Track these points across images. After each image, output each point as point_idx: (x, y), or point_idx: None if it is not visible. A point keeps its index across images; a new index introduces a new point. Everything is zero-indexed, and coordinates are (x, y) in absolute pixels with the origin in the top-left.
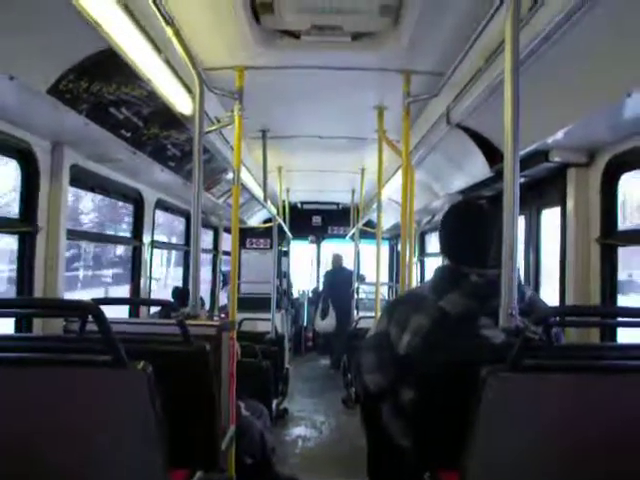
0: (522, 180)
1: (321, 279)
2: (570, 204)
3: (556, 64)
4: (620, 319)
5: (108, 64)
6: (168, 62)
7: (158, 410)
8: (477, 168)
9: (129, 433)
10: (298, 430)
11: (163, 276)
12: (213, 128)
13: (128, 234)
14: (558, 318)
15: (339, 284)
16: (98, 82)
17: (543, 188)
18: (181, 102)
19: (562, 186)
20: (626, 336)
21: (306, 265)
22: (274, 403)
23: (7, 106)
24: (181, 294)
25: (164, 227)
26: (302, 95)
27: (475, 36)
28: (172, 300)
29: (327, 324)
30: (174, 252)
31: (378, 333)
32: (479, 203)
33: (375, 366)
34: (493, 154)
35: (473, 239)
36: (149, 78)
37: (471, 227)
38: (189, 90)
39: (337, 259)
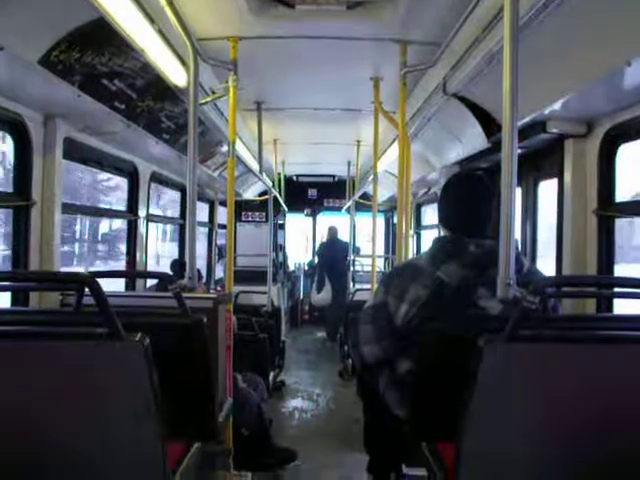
0: (519, 151)
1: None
2: (567, 175)
3: (554, 33)
4: (617, 290)
5: (100, 34)
6: (161, 32)
7: (155, 382)
8: (474, 139)
9: (126, 405)
10: (295, 402)
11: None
12: (208, 99)
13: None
14: (555, 289)
15: (334, 256)
16: (90, 53)
17: (540, 159)
18: (175, 73)
19: (559, 157)
20: (621, 307)
21: (302, 238)
22: (271, 375)
23: None
24: (179, 267)
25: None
26: (297, 66)
27: (472, 4)
28: (169, 273)
29: (323, 297)
30: (165, 228)
31: (375, 304)
32: (478, 174)
33: (372, 337)
34: (490, 125)
35: (472, 210)
36: (142, 49)
37: (470, 198)
38: (183, 61)
39: (332, 231)
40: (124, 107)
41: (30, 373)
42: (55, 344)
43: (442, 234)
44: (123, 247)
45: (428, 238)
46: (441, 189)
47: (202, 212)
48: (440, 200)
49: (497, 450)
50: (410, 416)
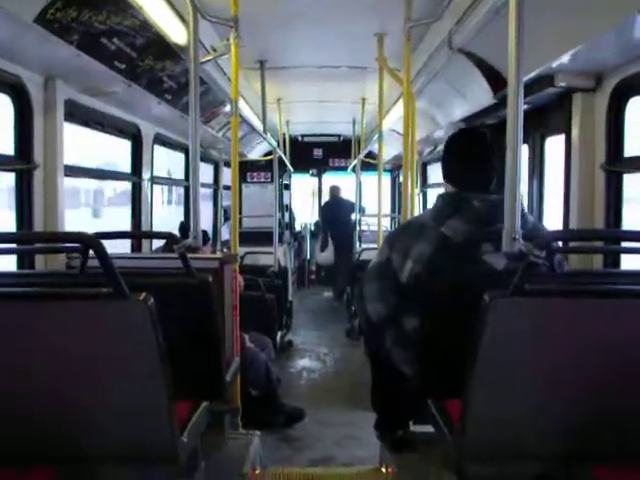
0: (526, 107)
1: None
2: (575, 131)
3: None
4: (624, 244)
5: None
6: None
7: (161, 342)
8: (480, 95)
9: (133, 365)
10: (302, 362)
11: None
12: (209, 58)
13: None
14: (562, 243)
15: (336, 215)
16: (87, 11)
17: (547, 115)
18: (175, 31)
19: (567, 112)
20: (629, 262)
21: (308, 198)
22: (278, 335)
23: None
24: (185, 229)
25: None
26: (300, 22)
27: None
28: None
29: (326, 256)
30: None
31: (380, 262)
32: (482, 130)
33: (377, 295)
34: (497, 80)
35: (475, 166)
36: (140, 5)
37: (473, 154)
38: (182, 18)
39: (334, 190)
40: (124, 67)
41: (36, 334)
42: (60, 304)
43: (446, 190)
44: None
45: (434, 196)
46: (444, 145)
47: (207, 174)
48: (443, 156)
49: (503, 406)
50: (416, 373)
